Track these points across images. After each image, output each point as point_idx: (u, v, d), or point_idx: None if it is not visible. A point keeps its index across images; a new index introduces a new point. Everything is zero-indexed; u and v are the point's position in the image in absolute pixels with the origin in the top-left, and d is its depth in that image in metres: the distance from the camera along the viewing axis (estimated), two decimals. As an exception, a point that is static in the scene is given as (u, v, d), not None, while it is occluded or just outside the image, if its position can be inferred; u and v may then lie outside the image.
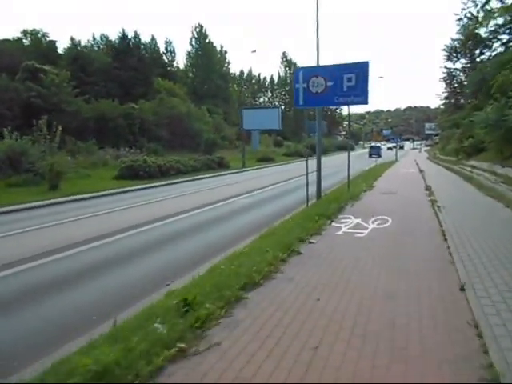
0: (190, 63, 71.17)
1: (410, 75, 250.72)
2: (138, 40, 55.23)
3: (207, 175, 28.50)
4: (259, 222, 9.96)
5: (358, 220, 8.95)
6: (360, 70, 11.56)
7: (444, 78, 47.16)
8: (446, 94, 49.19)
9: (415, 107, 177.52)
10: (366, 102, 11.83)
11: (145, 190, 20.11)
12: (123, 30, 51.44)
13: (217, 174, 30.07)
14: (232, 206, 13.52)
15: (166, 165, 27.39)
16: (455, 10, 72.75)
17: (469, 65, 44.49)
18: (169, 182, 24.19)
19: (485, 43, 35.06)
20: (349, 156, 15.13)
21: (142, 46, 63.58)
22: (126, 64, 50.14)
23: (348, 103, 12.09)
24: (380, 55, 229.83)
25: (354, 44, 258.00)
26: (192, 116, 45.30)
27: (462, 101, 46.20)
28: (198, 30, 69.46)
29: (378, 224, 8.49)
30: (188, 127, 43.37)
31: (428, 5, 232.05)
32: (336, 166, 36.23)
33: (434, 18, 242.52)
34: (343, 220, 9.07)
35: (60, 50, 48.90)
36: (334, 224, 8.64)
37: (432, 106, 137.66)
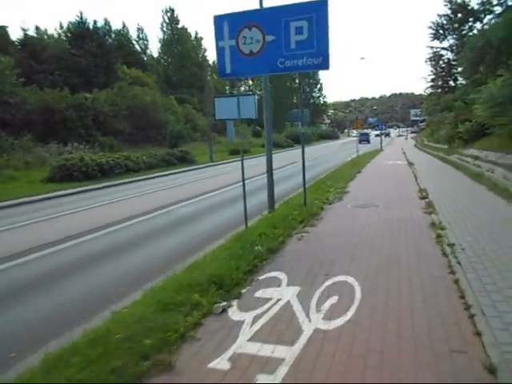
0: (163, 50, 65.89)
1: (395, 61, 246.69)
2: (101, 25, 49.88)
3: (163, 173, 24.05)
4: (180, 250, 6.83)
5: (289, 294, 4.18)
6: (315, 14, 7.13)
7: (430, 58, 42.91)
8: (432, 76, 44.99)
9: (400, 94, 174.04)
10: (326, 67, 7.45)
11: (65, 198, 15.59)
12: (81, 13, 46.05)
13: (176, 170, 25.61)
14: (157, 222, 9.31)
15: (110, 162, 22.79)
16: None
17: (457, 42, 40.25)
18: (107, 184, 19.67)
19: (476, 16, 30.75)
20: (303, 156, 10.06)
21: (107, 32, 58.27)
22: (85, 50, 44.88)
23: (299, 68, 7.64)
24: (364, 41, 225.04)
25: (338, 29, 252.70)
26: (158, 106, 40.42)
27: (450, 82, 42.03)
28: (169, 14, 64.14)
29: (330, 313, 3.71)
30: (152, 119, 38.55)
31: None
32: (315, 158, 32.07)
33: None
34: (259, 294, 4.27)
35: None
36: (230, 315, 3.84)
37: (417, 92, 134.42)
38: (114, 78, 47.19)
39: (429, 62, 44.83)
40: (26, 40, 40.60)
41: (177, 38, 65.25)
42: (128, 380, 2.68)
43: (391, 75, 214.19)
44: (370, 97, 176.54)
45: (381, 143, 41.56)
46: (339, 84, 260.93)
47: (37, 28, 48.69)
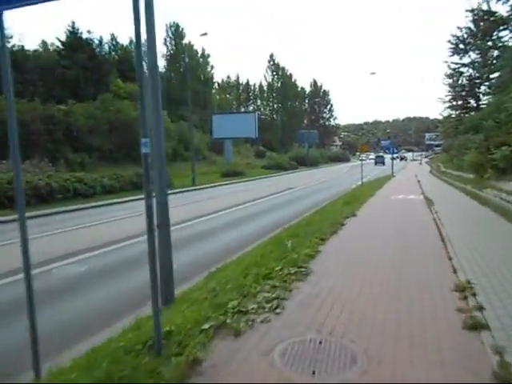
0: (166, 66, 62.30)
1: (409, 84, 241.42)
2: (93, 36, 46.37)
3: (119, 200, 19.19)
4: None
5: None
6: None
7: (449, 75, 37.76)
8: (451, 96, 39.71)
9: (414, 118, 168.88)
10: None
11: None
12: (73, 22, 42.58)
13: (138, 197, 20.68)
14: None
15: (52, 185, 18.09)
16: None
17: (479, 58, 35.09)
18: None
19: (505, 22, 25.67)
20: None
21: (100, 44, 55.10)
22: (75, 62, 41.16)
23: None
24: (378, 63, 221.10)
25: (351, 50, 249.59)
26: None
27: (471, 102, 36.69)
28: (173, 29, 60.73)
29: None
30: (136, 135, 33.91)
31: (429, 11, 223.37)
32: (315, 183, 27.21)
33: (434, 24, 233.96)
34: None
35: None
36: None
37: (431, 117, 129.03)
38: (104, 91, 43.21)
39: (447, 81, 39.70)
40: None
41: (181, 53, 61.65)
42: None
43: (405, 99, 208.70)
44: (383, 120, 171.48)
45: (392, 168, 36.26)
46: (352, 106, 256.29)
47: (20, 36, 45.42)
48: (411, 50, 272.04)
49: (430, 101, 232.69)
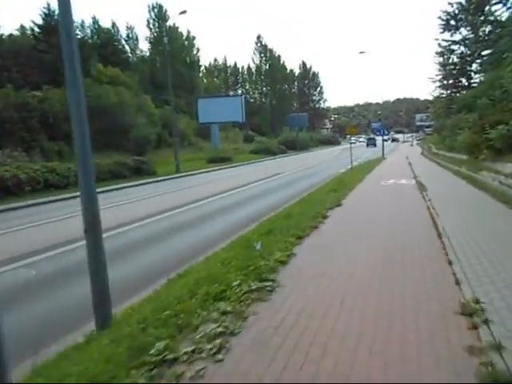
0: (150, 49, 60.21)
1: (399, 65, 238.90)
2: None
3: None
4: None
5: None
6: None
7: (440, 53, 36.42)
8: (441, 75, 38.43)
9: (404, 99, 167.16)
10: None
11: None
12: (48, 4, 40.33)
13: (115, 186, 19.53)
14: None
15: (20, 177, 16.80)
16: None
17: (471, 34, 33.82)
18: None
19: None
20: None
21: (82, 28, 53.20)
22: (51, 45, 39.06)
23: None
24: (368, 44, 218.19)
25: (340, 32, 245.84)
26: (126, 107, 34.43)
27: (463, 81, 35.53)
28: (156, 10, 58.39)
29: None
30: (119, 122, 32.53)
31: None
32: (304, 168, 26.27)
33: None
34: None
35: None
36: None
37: (422, 97, 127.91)
38: (85, 76, 41.22)
39: (437, 59, 38.38)
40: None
41: (164, 36, 59.40)
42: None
43: (395, 80, 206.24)
44: (373, 102, 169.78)
45: (383, 150, 35.26)
46: (343, 89, 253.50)
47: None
48: (400, 30, 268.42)
49: (421, 82, 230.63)
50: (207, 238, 7.38)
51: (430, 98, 47.60)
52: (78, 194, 13.96)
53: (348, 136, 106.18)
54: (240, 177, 22.84)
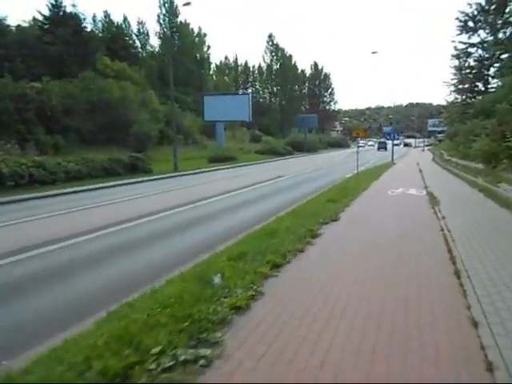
0: (159, 45, 59.24)
1: (413, 70, 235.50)
2: (78, 10, 43.17)
3: (80, 188, 16.75)
4: None
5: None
6: None
7: (456, 55, 34.68)
8: (457, 79, 36.69)
9: (417, 104, 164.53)
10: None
11: None
12: (56, -5, 39.40)
13: (104, 184, 18.28)
14: None
15: (2, 170, 15.71)
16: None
17: (490, 37, 32.05)
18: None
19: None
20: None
21: (91, 20, 52.54)
22: (57, 37, 38.23)
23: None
24: (382, 46, 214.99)
25: (353, 34, 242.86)
26: (129, 102, 33.33)
27: (479, 85, 33.76)
28: (167, 6, 57.33)
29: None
30: (121, 117, 31.47)
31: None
32: (308, 171, 25.02)
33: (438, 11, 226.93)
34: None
35: None
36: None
37: (435, 103, 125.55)
38: (90, 69, 40.48)
39: (453, 63, 36.68)
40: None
41: (175, 32, 58.43)
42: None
43: (408, 84, 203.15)
44: (385, 105, 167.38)
45: (392, 155, 33.70)
46: (355, 92, 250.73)
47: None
48: (415, 32, 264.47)
49: (434, 86, 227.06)
50: (159, 263, 5.93)
51: (443, 103, 45.93)
52: (60, 191, 12.59)
53: (358, 139, 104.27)
54: (238, 178, 21.55)
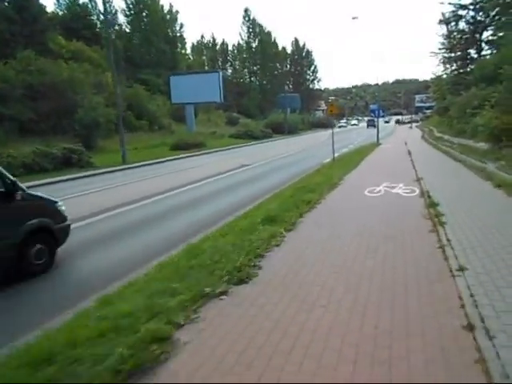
0: (126, 23, 53.98)
1: (399, 46, 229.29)
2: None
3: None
4: None
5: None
6: None
7: (446, 19, 30.51)
8: (447, 47, 32.58)
9: (403, 80, 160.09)
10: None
11: None
12: (-5, -34, 34.17)
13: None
14: None
15: None
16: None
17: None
18: None
19: None
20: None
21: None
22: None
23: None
24: (365, 25, 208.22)
25: (338, 9, 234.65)
26: (81, 85, 28.82)
27: (472, 52, 29.78)
28: (131, -21, 51.85)
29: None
30: (66, 102, 27.06)
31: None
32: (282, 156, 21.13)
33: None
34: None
35: None
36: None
37: (421, 79, 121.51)
38: (41, 50, 35.62)
39: (441, 29, 32.57)
40: None
41: (142, 8, 53.11)
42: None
43: (394, 61, 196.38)
44: (372, 83, 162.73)
45: (377, 135, 29.83)
46: (340, 70, 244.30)
47: None
48: (400, 4, 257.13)
49: (421, 62, 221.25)
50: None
51: (430, 78, 41.95)
52: None
53: (345, 118, 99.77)
54: (194, 170, 17.66)
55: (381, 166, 13.65)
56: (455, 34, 30.43)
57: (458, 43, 30.32)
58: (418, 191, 8.24)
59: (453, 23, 30.26)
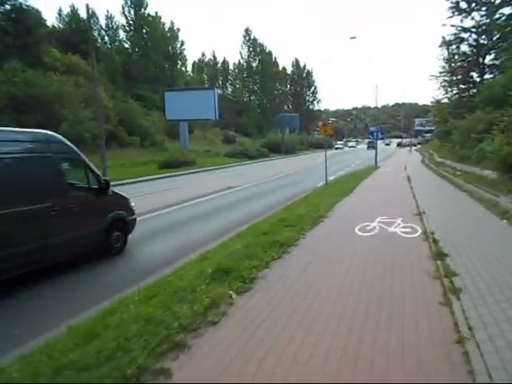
0: (123, 39, 53.46)
1: (399, 71, 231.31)
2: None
3: None
4: None
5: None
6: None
7: (447, 42, 29.52)
8: (447, 71, 31.56)
9: (403, 103, 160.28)
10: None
11: None
12: (-9, -23, 33.48)
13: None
14: None
15: None
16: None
17: (486, 19, 26.96)
18: None
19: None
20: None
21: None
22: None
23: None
24: (366, 48, 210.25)
25: (341, 27, 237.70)
26: (70, 99, 27.64)
27: (474, 75, 28.66)
28: (131, -5, 51.55)
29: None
30: (53, 115, 25.84)
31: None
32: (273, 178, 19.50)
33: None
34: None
35: None
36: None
37: (421, 103, 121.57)
38: (34, 62, 34.73)
39: (442, 53, 31.61)
40: None
41: (142, 24, 52.65)
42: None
43: (394, 84, 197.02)
44: (372, 106, 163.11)
45: (376, 157, 28.51)
46: (341, 92, 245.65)
47: None
48: (401, 28, 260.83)
49: (419, 87, 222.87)
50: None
51: (430, 102, 40.89)
52: None
53: (344, 139, 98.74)
54: (173, 192, 16.15)
55: (377, 194, 12.13)
56: (457, 57, 29.40)
57: (461, 66, 29.26)
58: (419, 231, 6.67)
59: (454, 46, 29.29)
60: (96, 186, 6.18)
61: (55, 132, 23.71)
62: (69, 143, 6.09)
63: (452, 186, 13.20)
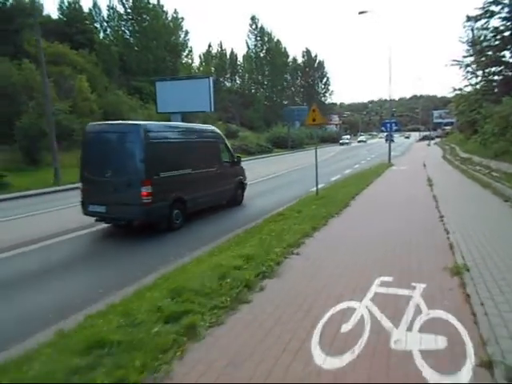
0: (124, 28, 49.95)
1: (417, 62, 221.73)
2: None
3: None
4: None
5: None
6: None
7: (475, 16, 24.80)
8: (474, 52, 26.85)
9: (421, 96, 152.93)
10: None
11: None
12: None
13: None
14: None
15: None
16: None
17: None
18: None
19: None
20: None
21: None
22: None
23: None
24: (383, 39, 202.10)
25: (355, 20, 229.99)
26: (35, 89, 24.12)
27: (507, 54, 23.86)
28: (128, -18, 47.90)
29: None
30: (16, 105, 22.50)
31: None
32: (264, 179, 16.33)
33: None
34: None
35: None
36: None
37: (439, 95, 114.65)
38: (14, 51, 31.62)
39: (467, 30, 26.95)
40: None
41: (141, 12, 49.02)
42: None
43: (412, 76, 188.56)
44: (388, 98, 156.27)
45: (389, 153, 24.31)
46: (357, 85, 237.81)
47: None
48: (422, 24, 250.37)
49: (438, 79, 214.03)
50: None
51: (449, 93, 35.85)
52: None
53: (358, 133, 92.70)
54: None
55: (387, 208, 8.05)
56: (485, 33, 24.63)
57: (489, 46, 24.49)
58: (471, 351, 2.65)
59: (483, 21, 24.49)
60: (231, 160, 10.26)
61: (11, 125, 20.06)
62: (222, 135, 10.48)
63: (495, 197, 8.97)
